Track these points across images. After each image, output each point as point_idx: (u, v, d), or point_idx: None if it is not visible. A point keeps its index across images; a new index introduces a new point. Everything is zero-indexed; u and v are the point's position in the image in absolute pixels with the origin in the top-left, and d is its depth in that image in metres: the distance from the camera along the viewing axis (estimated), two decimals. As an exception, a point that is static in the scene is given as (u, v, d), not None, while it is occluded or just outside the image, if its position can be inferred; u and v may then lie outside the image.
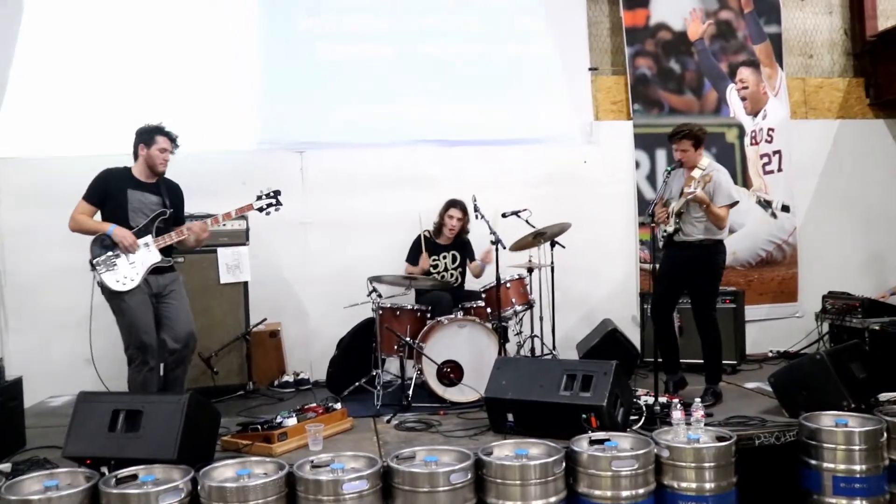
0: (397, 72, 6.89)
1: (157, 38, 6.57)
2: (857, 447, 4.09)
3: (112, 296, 4.81)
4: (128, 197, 4.88)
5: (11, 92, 6.43)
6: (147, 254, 4.85)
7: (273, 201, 5.15)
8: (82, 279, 6.28)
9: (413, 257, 6.36)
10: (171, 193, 5.07)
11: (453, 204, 6.33)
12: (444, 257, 6.37)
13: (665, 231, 5.29)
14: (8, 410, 4.60)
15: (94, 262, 4.78)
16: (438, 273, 6.34)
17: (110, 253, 4.79)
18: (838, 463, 4.10)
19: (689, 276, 5.29)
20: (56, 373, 6.28)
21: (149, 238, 4.87)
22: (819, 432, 4.15)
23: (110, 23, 6.52)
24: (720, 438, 4.05)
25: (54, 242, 6.24)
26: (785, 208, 7.49)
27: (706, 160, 5.28)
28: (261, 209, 5.13)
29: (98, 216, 4.93)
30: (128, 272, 4.79)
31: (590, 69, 7.24)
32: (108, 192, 4.89)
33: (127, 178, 4.95)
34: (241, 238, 6.17)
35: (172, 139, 5.00)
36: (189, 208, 6.01)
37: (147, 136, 4.95)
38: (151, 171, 4.98)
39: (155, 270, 4.89)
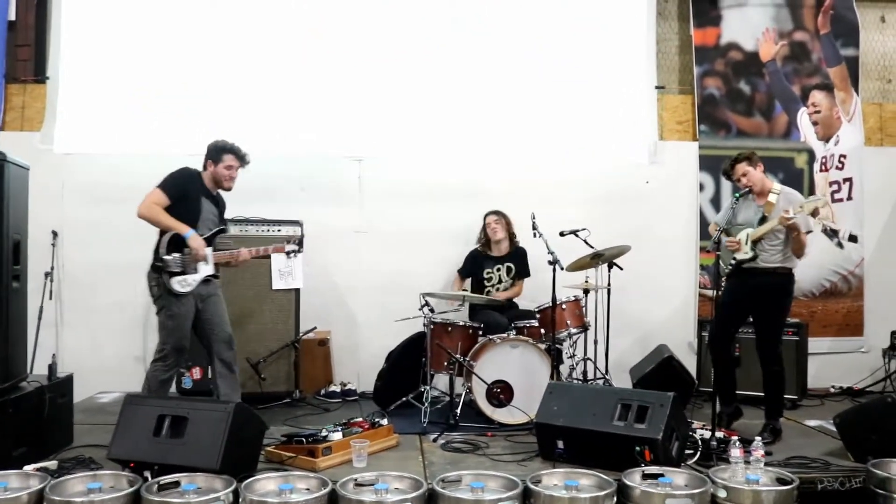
0: (460, 85, 6.79)
1: (220, 42, 6.60)
2: (931, 500, 3.85)
3: (167, 295, 4.80)
4: (202, 205, 4.95)
5: (76, 89, 6.52)
6: (205, 266, 4.90)
7: (298, 248, 5.19)
8: (137, 277, 6.35)
9: (463, 270, 6.38)
10: (223, 208, 5.17)
11: (487, 213, 6.34)
12: (498, 269, 6.28)
13: (734, 259, 5.07)
14: (58, 407, 4.62)
15: (165, 259, 4.74)
16: (493, 286, 6.26)
17: (178, 255, 4.79)
18: (910, 516, 3.86)
19: (757, 305, 5.07)
20: (107, 368, 6.35)
21: (209, 250, 4.91)
22: (889, 482, 3.90)
23: (175, 26, 6.57)
24: (781, 481, 3.86)
25: (112, 239, 6.35)
26: (853, 238, 7.21)
27: (778, 185, 5.09)
28: (288, 253, 5.17)
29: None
30: (188, 277, 4.82)
31: (656, 87, 7.07)
32: (187, 193, 4.92)
33: (202, 185, 5.02)
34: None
35: (240, 157, 5.05)
36: (247, 212, 6.05)
37: (215, 153, 5.01)
38: (217, 185, 5.05)
39: (204, 280, 4.93)
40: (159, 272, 4.77)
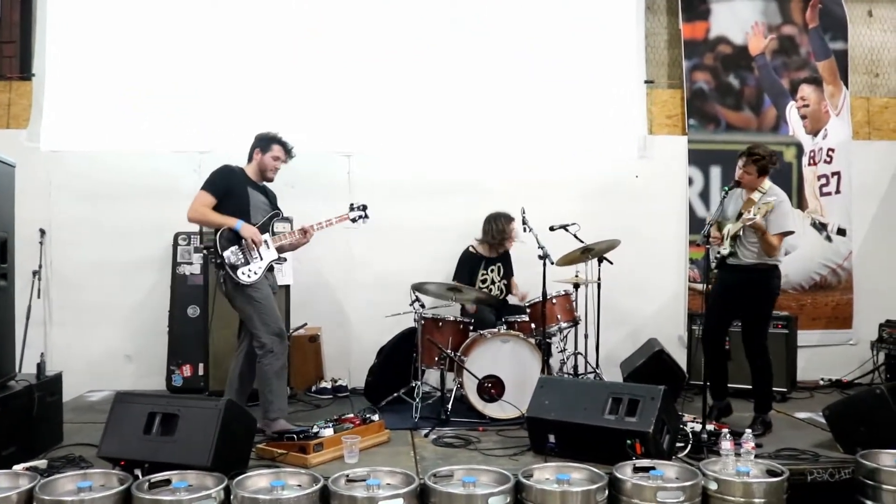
0: (449, 81, 6.78)
1: (210, 41, 6.57)
2: (919, 490, 3.87)
3: (238, 289, 4.81)
4: (249, 195, 4.96)
5: (63, 86, 6.48)
6: (266, 251, 4.92)
7: (363, 214, 5.36)
8: (125, 275, 6.36)
9: (460, 275, 6.21)
10: (272, 197, 5.17)
11: (513, 219, 6.10)
12: (493, 271, 6.26)
13: (718, 253, 5.11)
14: (47, 405, 4.58)
15: (224, 255, 4.76)
16: (486, 287, 6.23)
17: (236, 247, 4.80)
18: (898, 506, 3.88)
19: (741, 301, 5.10)
20: (96, 367, 6.33)
21: (267, 236, 4.95)
22: (878, 472, 3.93)
23: (164, 25, 6.53)
24: (771, 472, 3.88)
25: (100, 237, 6.34)
26: (841, 231, 7.24)
27: (767, 183, 5.10)
28: (353, 219, 5.31)
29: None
30: (251, 266, 4.83)
31: (645, 82, 7.07)
32: (231, 188, 4.93)
33: (244, 176, 5.02)
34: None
35: (287, 149, 5.09)
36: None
37: (264, 142, 5.03)
38: (262, 175, 5.07)
39: (269, 267, 4.96)
40: (223, 269, 4.77)
